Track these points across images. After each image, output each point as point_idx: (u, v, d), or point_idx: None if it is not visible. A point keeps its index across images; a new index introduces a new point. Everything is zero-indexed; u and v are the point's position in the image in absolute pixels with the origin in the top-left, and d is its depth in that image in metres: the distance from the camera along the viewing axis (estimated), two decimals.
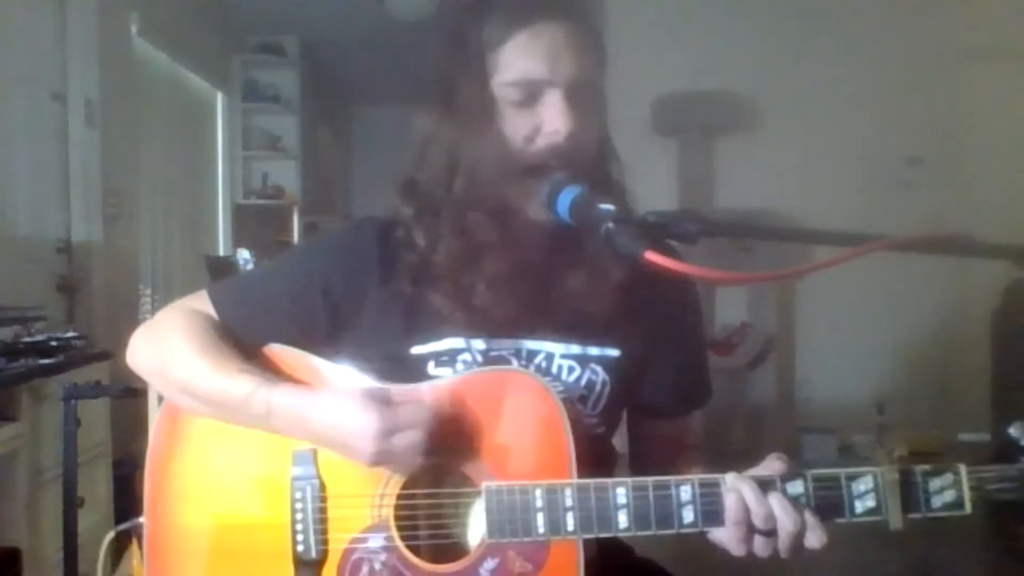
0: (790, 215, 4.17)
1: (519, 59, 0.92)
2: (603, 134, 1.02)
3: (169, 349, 0.98)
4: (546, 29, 0.92)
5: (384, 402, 0.88)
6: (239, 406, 0.93)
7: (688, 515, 0.85)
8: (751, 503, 0.83)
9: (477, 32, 0.94)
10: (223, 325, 1.00)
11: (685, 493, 0.86)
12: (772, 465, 0.87)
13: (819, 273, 0.81)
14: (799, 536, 0.84)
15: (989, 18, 4.11)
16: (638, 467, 1.12)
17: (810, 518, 0.84)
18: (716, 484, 0.86)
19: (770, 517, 0.83)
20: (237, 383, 0.92)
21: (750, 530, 0.84)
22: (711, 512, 0.85)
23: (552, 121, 0.92)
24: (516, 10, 0.93)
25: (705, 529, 0.86)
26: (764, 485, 0.84)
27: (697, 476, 0.86)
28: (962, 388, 4.19)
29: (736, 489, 0.84)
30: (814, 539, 0.84)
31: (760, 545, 0.85)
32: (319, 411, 0.90)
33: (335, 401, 0.89)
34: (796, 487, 0.85)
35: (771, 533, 0.84)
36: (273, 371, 0.97)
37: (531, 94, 0.93)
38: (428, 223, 0.99)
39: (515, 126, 0.94)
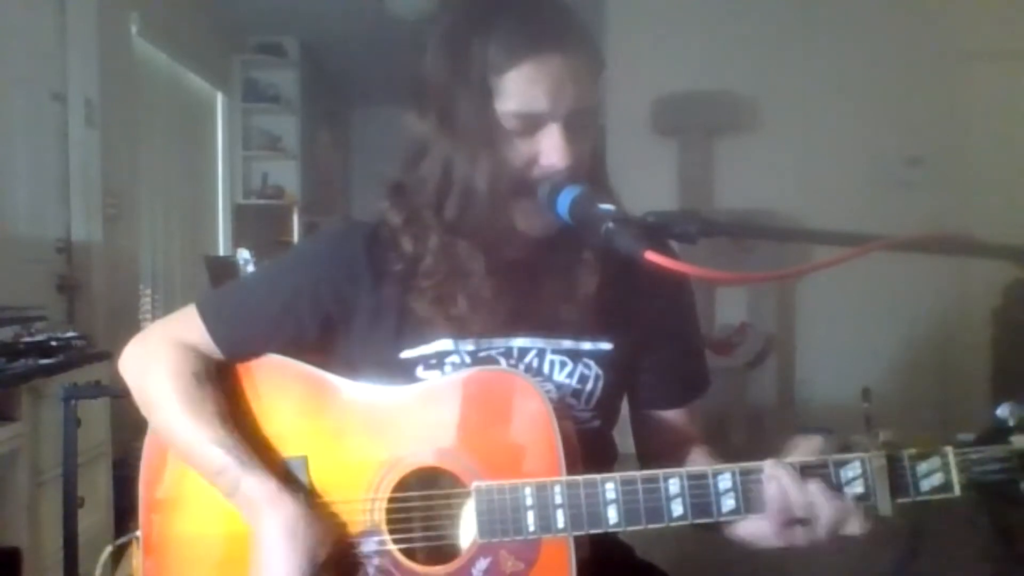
0: (790, 215, 4.16)
1: (522, 90, 0.91)
2: (596, 141, 1.01)
3: (153, 392, 0.99)
4: (551, 61, 0.90)
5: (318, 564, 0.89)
6: (207, 473, 0.95)
7: (677, 508, 0.85)
8: (791, 492, 0.82)
9: (481, 53, 0.91)
10: (210, 359, 1.00)
11: (674, 486, 0.85)
12: (811, 443, 0.85)
13: (819, 273, 0.81)
14: (839, 524, 0.82)
15: (989, 18, 4.11)
16: (645, 462, 1.12)
17: (852, 505, 0.82)
18: (704, 476, 0.85)
19: (810, 505, 0.82)
20: (210, 455, 0.93)
21: (790, 519, 0.83)
22: (701, 504, 0.85)
23: (550, 156, 0.92)
24: (522, 37, 0.91)
25: (737, 519, 0.85)
26: (806, 471, 0.83)
27: (685, 469, 0.86)
28: (962, 388, 4.19)
29: (776, 477, 0.83)
30: (855, 526, 0.82)
31: (800, 534, 0.84)
32: (267, 525, 0.90)
33: (282, 528, 0.89)
34: (855, 469, 0.84)
35: (809, 522, 0.83)
36: (247, 445, 0.95)
37: (530, 125, 0.92)
38: (416, 231, 0.98)
39: (513, 152, 0.93)
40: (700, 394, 1.12)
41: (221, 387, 0.99)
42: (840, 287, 4.05)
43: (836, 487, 0.83)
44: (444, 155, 0.96)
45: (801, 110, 4.37)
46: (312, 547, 0.89)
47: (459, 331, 0.98)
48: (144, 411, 1.01)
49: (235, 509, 0.94)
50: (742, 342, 4.20)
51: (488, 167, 0.93)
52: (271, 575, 0.89)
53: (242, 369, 1.01)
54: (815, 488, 0.82)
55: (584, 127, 0.94)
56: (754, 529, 0.86)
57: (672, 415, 1.11)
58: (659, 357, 1.07)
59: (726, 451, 1.03)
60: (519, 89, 0.91)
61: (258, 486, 0.92)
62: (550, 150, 0.92)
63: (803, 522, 0.83)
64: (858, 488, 0.84)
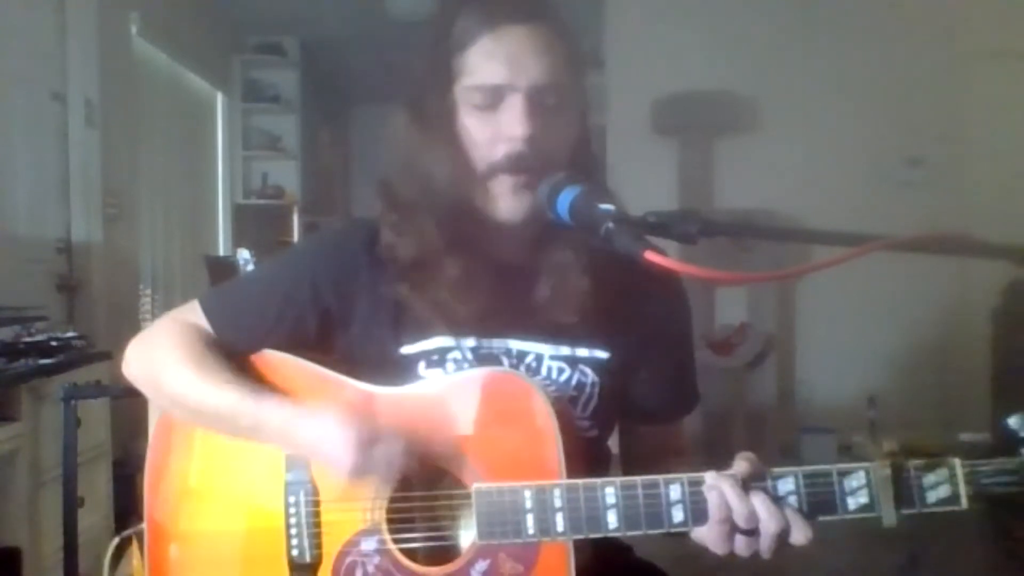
0: (790, 215, 4.17)
1: (481, 63, 0.92)
2: (581, 135, 1.01)
3: (161, 362, 0.99)
4: (510, 32, 0.92)
5: (364, 415, 0.89)
6: (227, 419, 0.95)
7: (678, 514, 0.85)
8: (733, 502, 0.82)
9: (445, 36, 0.94)
10: (214, 335, 1.01)
11: (674, 492, 0.85)
12: (739, 466, 0.86)
13: (819, 273, 0.81)
14: (782, 536, 0.82)
15: (990, 18, 4.11)
16: (629, 472, 1.11)
17: (793, 515, 0.83)
18: (704, 482, 0.85)
19: (752, 516, 0.82)
20: (225, 397, 0.94)
21: (732, 529, 0.83)
22: (701, 510, 0.85)
23: (510, 126, 0.92)
24: (481, 14, 0.93)
25: (688, 529, 0.86)
26: (747, 483, 0.83)
27: (686, 475, 0.86)
28: (962, 388, 4.19)
29: (717, 487, 0.83)
30: (799, 535, 0.82)
31: (742, 544, 0.84)
32: (302, 427, 0.91)
33: (317, 416, 0.91)
34: (787, 484, 0.84)
35: (753, 532, 0.83)
36: (261, 382, 0.97)
37: (493, 99, 0.92)
38: (399, 224, 0.99)
39: (478, 131, 0.94)
40: (688, 411, 1.12)
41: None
42: (840, 287, 4.05)
43: (776, 499, 0.83)
44: (412, 142, 0.97)
45: (801, 110, 4.37)
46: (352, 413, 0.90)
47: (451, 326, 0.98)
48: (156, 394, 1.01)
49: (239, 501, 0.95)
50: (742, 342, 4.20)
51: (449, 150, 0.94)
52: (335, 455, 0.89)
53: (244, 364, 1.01)
54: (757, 499, 0.82)
55: (554, 105, 0.94)
56: (702, 535, 0.86)
57: (658, 431, 1.11)
58: (651, 371, 1.07)
59: (726, 451, 1.03)
60: (479, 63, 0.92)
61: (278, 408, 0.93)
62: (510, 120, 0.92)
63: (747, 532, 0.83)
64: (862, 498, 0.83)
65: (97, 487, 2.47)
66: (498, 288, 0.97)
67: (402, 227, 0.98)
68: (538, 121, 0.92)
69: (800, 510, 0.83)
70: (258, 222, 5.56)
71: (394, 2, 4.72)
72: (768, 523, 0.82)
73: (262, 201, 5.68)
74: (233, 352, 1.01)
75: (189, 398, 0.96)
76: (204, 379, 0.95)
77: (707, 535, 0.85)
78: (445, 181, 0.94)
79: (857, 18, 4.30)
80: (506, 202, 0.95)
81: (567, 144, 0.97)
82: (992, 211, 3.73)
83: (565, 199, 0.89)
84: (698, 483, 0.85)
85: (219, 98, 5.40)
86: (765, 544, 0.83)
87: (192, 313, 1.03)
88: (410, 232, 0.98)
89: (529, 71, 0.92)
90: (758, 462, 0.86)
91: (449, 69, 0.94)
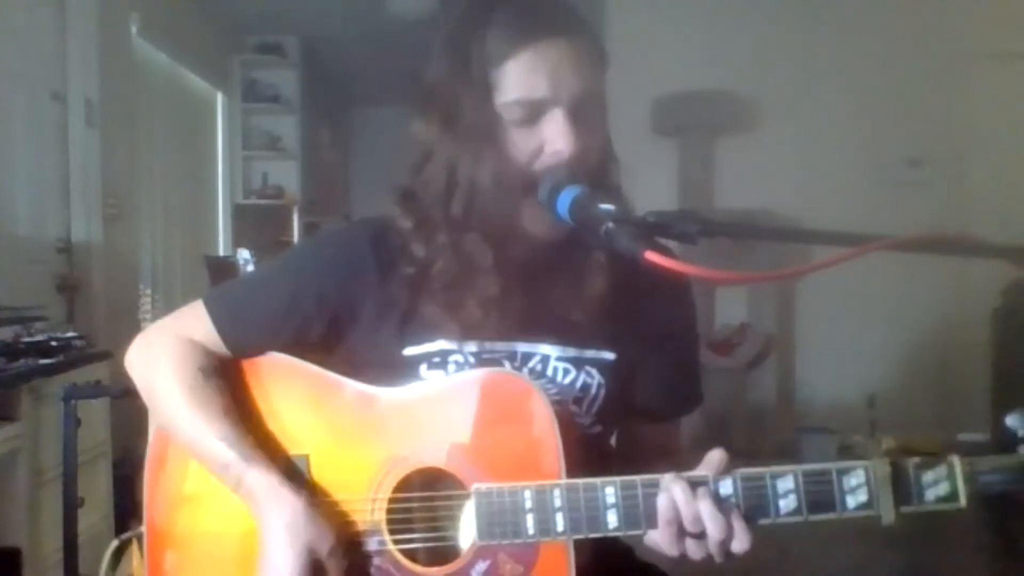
0: (790, 215, 4.17)
1: (521, 78, 0.90)
2: (605, 138, 1.01)
3: (158, 387, 0.99)
4: (549, 47, 0.90)
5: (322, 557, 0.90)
6: (212, 468, 0.95)
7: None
8: (681, 505, 0.83)
9: (479, 48, 0.92)
10: (215, 354, 1.00)
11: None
12: (712, 457, 0.85)
13: (819, 273, 0.81)
14: (726, 542, 0.83)
15: (991, 19, 4.11)
16: (623, 470, 1.11)
17: (736, 523, 0.82)
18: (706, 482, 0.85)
19: (698, 520, 0.82)
20: (215, 450, 0.93)
21: (681, 532, 0.84)
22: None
23: (555, 141, 0.91)
24: (518, 27, 0.91)
25: (640, 532, 0.86)
26: (695, 486, 0.84)
27: (686, 474, 0.85)
28: (962, 388, 4.19)
29: (668, 489, 0.84)
30: (737, 545, 0.83)
31: (692, 547, 0.84)
32: (268, 519, 0.91)
33: (283, 521, 0.90)
34: (726, 487, 0.84)
35: (701, 536, 0.83)
36: (250, 439, 0.96)
37: (533, 113, 0.91)
38: (426, 235, 0.98)
39: (517, 145, 0.92)
40: (690, 410, 1.12)
41: (226, 382, 0.99)
42: (840, 287, 4.05)
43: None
44: (448, 156, 0.95)
45: (801, 110, 4.37)
46: (312, 540, 0.90)
47: (465, 332, 0.97)
48: (150, 406, 1.02)
49: (239, 505, 0.95)
50: (742, 342, 4.20)
51: (492, 163, 0.92)
52: (273, 567, 0.90)
53: (246, 367, 1.01)
54: (703, 505, 0.82)
55: (589, 116, 0.93)
56: (655, 538, 0.86)
57: (656, 429, 1.11)
58: (656, 371, 1.07)
59: (726, 452, 1.02)
60: (519, 77, 0.90)
61: (260, 480, 0.92)
62: (555, 136, 0.91)
63: (695, 536, 0.84)
64: (861, 496, 0.83)
65: (97, 487, 2.47)
66: (514, 293, 0.97)
67: (437, 240, 0.97)
68: (579, 133, 0.91)
69: (745, 516, 0.83)
70: (258, 222, 5.56)
71: (394, 2, 4.72)
72: (712, 529, 0.82)
73: (262, 201, 5.69)
74: (238, 352, 1.01)
75: (181, 433, 0.97)
76: (199, 420, 0.95)
77: (658, 537, 0.85)
78: (489, 199, 0.93)
79: (857, 18, 4.31)
80: (548, 219, 0.93)
81: (599, 151, 0.97)
82: (992, 211, 3.74)
83: (565, 199, 0.89)
84: (700, 482, 0.84)
85: (219, 98, 5.41)
86: (713, 549, 0.83)
87: (196, 320, 1.01)
88: (444, 246, 0.96)
89: (570, 85, 0.90)
90: (725, 461, 0.85)
91: (485, 84, 0.91)
